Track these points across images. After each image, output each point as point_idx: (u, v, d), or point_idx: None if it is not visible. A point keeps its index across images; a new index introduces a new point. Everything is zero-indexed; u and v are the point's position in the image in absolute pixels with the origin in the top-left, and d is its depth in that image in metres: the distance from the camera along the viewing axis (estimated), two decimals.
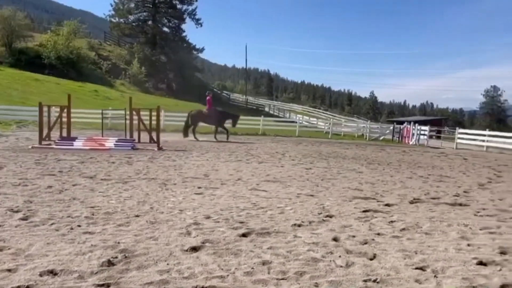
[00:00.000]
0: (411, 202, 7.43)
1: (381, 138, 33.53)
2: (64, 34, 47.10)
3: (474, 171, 13.28)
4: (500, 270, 4.09)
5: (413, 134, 30.32)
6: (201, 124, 22.19)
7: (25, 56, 44.79)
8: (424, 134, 30.30)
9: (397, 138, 32.33)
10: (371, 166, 12.96)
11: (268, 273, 3.77)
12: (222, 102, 61.90)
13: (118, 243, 4.42)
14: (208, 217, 5.65)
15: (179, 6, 61.36)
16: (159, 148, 14.99)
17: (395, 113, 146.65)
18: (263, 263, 3.99)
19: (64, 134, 16.08)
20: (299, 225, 5.45)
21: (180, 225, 5.22)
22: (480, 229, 5.67)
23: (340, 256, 4.28)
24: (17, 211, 5.58)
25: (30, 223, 5.05)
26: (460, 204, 7.45)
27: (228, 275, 3.66)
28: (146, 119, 16.60)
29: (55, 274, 3.56)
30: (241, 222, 5.44)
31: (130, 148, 14.76)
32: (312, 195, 7.66)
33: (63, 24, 50.43)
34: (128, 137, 16.62)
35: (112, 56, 55.12)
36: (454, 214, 6.59)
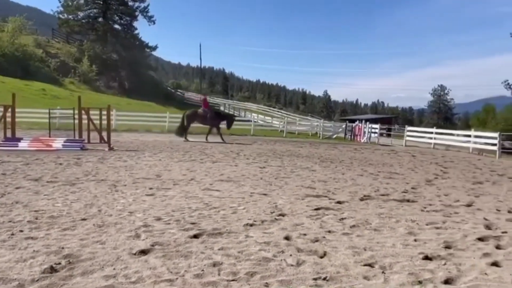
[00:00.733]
0: (362, 199, 7.59)
1: (334, 136, 34.15)
2: (9, 31, 45.06)
3: (422, 167, 13.75)
4: (445, 264, 4.23)
5: (364, 132, 31.09)
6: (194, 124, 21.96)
7: None
8: (375, 132, 31.12)
9: (350, 136, 33.04)
10: (324, 164, 13.15)
11: (219, 274, 3.72)
12: (176, 101, 61.19)
13: (62, 248, 4.24)
14: (158, 219, 5.53)
15: (130, 3, 60.03)
16: (110, 149, 14.60)
17: (348, 112, 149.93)
18: (214, 265, 3.93)
19: (9, 135, 15.36)
20: (251, 225, 5.43)
21: (129, 227, 5.08)
22: (427, 225, 5.86)
23: (291, 255, 4.29)
24: None
25: None
26: (408, 200, 7.68)
27: (177, 278, 3.59)
28: (97, 118, 16.12)
29: None
30: (193, 223, 5.36)
31: (79, 148, 14.29)
32: (265, 194, 7.67)
33: (8, 20, 48.17)
34: (77, 137, 16.09)
35: (60, 53, 53.17)
36: (402, 210, 6.78)
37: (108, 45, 57.32)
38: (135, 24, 60.72)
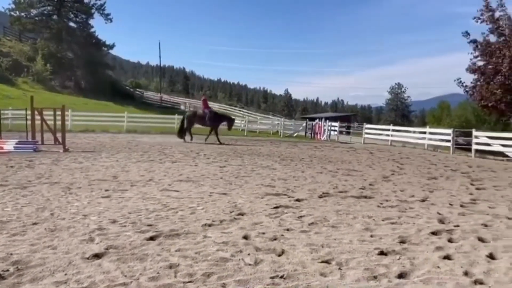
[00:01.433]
0: (320, 197, 7.67)
1: (295, 134, 34.47)
2: None
3: (379, 164, 14.06)
4: (399, 259, 4.32)
5: (324, 130, 31.53)
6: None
7: None
8: (334, 130, 31.65)
9: (310, 134, 33.43)
10: (284, 162, 13.24)
11: (175, 276, 3.66)
12: (135, 100, 60.11)
13: (11, 254, 4.06)
14: (114, 222, 5.39)
15: (86, 1, 58.37)
16: (65, 150, 14.16)
17: (308, 110, 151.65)
18: (170, 267, 3.87)
19: None
20: (210, 225, 5.38)
21: (82, 231, 4.93)
22: (383, 220, 5.98)
23: (249, 254, 4.28)
24: None
25: None
26: (366, 197, 7.83)
27: (131, 282, 3.50)
28: (52, 119, 15.60)
29: None
30: (150, 225, 5.26)
31: (32, 150, 13.79)
32: (225, 194, 7.63)
33: None
34: (30, 139, 15.51)
35: (13, 52, 51.11)
36: (360, 207, 6.90)
37: (63, 44, 55.56)
38: (91, 22, 59.10)
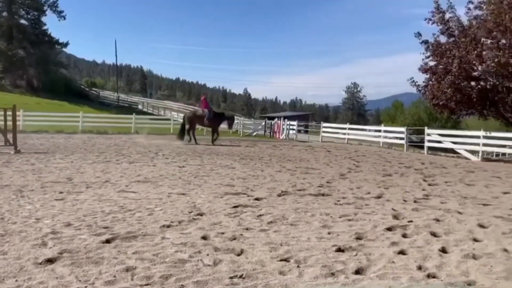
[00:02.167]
0: (279, 195, 7.73)
1: (254, 133, 34.56)
2: None
3: (337, 162, 14.31)
4: (356, 255, 4.40)
5: (283, 129, 31.77)
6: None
7: None
8: (293, 129, 31.94)
9: (269, 133, 33.60)
10: (243, 162, 13.24)
11: (132, 279, 3.58)
12: (91, 100, 58.60)
13: None
14: (68, 225, 5.22)
15: None
16: (17, 151, 13.60)
17: (267, 109, 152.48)
18: (127, 270, 3.78)
19: None
20: (168, 226, 5.31)
21: (35, 235, 4.74)
22: (340, 217, 6.08)
23: (208, 255, 4.25)
24: None
25: None
26: (323, 194, 7.95)
27: (86, 287, 3.40)
28: (1, 119, 14.94)
29: None
30: (106, 228, 5.13)
31: None
32: (183, 194, 7.56)
33: None
34: None
35: None
36: (318, 204, 6.99)
37: (14, 41, 53.32)
38: (43, 19, 57.08)
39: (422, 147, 21.96)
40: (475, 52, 20.64)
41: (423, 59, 24.18)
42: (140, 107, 62.89)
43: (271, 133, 33.35)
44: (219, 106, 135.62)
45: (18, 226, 5.12)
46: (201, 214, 6.02)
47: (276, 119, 34.71)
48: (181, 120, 37.09)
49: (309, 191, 8.29)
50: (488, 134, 18.43)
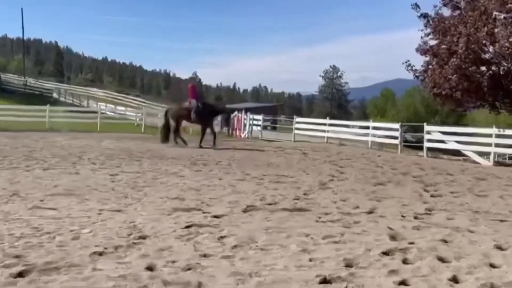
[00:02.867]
0: (244, 211, 7.74)
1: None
2: None
3: (315, 167, 14.47)
4: (346, 287, 4.46)
5: (245, 125, 31.83)
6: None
7: None
8: (257, 125, 32.01)
9: (227, 130, 33.58)
10: (195, 168, 13.20)
11: None
12: None
13: None
14: None
15: None
16: None
17: (223, 99, 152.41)
18: None
19: None
20: (101, 253, 5.23)
21: None
22: (323, 239, 6.15)
23: None
24: None
25: None
26: (300, 209, 8.01)
27: None
28: None
29: None
30: (17, 256, 5.00)
31: None
32: (119, 211, 7.47)
33: None
34: None
35: None
36: (294, 222, 7.04)
37: None
38: None
39: (420, 148, 22.50)
40: (486, 29, 21.18)
41: (421, 37, 24.76)
42: (55, 95, 61.58)
43: (230, 130, 33.36)
44: (160, 94, 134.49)
45: None
46: (144, 237, 5.95)
47: (236, 112, 34.75)
48: (119, 113, 36.35)
49: (283, 205, 8.33)
50: (502, 132, 18.99)
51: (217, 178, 11.36)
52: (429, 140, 21.69)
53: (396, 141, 23.12)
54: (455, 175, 14.05)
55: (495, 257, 5.51)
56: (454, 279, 4.75)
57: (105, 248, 5.40)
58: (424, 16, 24.30)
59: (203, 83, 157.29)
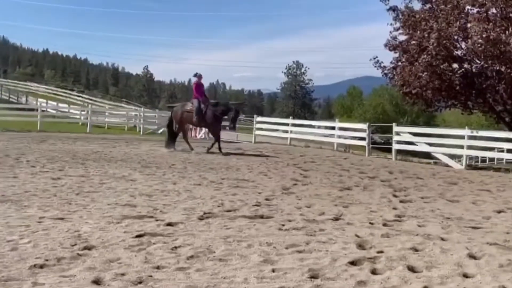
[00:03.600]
0: (201, 218, 7.72)
1: (161, 131, 34.28)
2: None
3: (277, 171, 14.53)
4: None
5: None
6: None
7: None
8: None
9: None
10: (147, 171, 13.10)
11: None
12: None
13: None
14: None
15: None
16: None
17: (178, 97, 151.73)
18: None
19: None
20: (42, 266, 5.16)
21: None
22: (286, 248, 6.18)
23: None
24: None
25: None
26: (262, 217, 8.04)
27: None
28: None
29: None
30: None
31: None
32: (62, 219, 7.37)
33: None
34: None
35: None
36: (255, 230, 7.05)
37: None
38: None
39: (388, 150, 22.82)
40: (458, 24, 21.62)
41: (390, 32, 25.09)
42: None
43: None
44: (108, 91, 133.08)
45: None
46: (90, 248, 5.89)
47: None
48: (61, 111, 35.85)
49: (242, 212, 8.35)
50: (475, 134, 19.41)
51: (171, 183, 11.30)
52: (398, 142, 21.94)
53: (364, 143, 23.37)
54: (425, 179, 14.31)
55: (468, 267, 5.63)
56: None
57: (47, 260, 5.32)
58: (393, 9, 24.61)
59: (155, 79, 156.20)
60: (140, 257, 5.60)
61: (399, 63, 24.73)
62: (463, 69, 23.04)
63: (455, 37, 22.51)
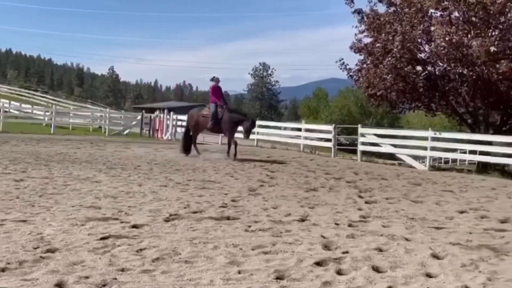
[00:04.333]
0: (167, 220, 7.68)
1: (126, 132, 34.05)
2: None
3: (244, 172, 14.53)
4: None
5: (168, 126, 31.58)
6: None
7: None
8: (182, 126, 31.83)
9: (148, 132, 33.25)
10: (112, 172, 12.96)
11: None
12: None
13: None
14: None
15: None
16: None
17: (144, 98, 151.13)
18: None
19: None
20: (4, 269, 5.06)
21: None
22: (253, 249, 6.18)
23: None
24: None
25: None
26: (228, 218, 8.03)
27: None
28: None
29: None
30: None
31: None
32: (24, 221, 7.22)
33: None
34: None
35: None
36: (221, 232, 7.03)
37: None
38: None
39: (354, 152, 23.01)
40: (422, 27, 21.98)
41: (356, 35, 25.35)
42: None
43: (151, 132, 33.05)
44: (72, 92, 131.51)
45: None
46: (53, 251, 5.79)
47: (157, 112, 34.44)
48: (24, 112, 35.39)
49: (209, 213, 8.32)
50: (438, 135, 19.74)
51: (136, 184, 11.21)
52: (364, 143, 22.13)
53: (330, 144, 23.59)
54: (390, 180, 14.48)
55: (432, 267, 5.72)
56: None
57: (8, 263, 5.21)
58: (358, 12, 24.90)
59: (121, 79, 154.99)
60: (105, 259, 5.52)
61: (364, 65, 24.99)
62: (426, 72, 23.43)
63: (419, 40, 22.90)
